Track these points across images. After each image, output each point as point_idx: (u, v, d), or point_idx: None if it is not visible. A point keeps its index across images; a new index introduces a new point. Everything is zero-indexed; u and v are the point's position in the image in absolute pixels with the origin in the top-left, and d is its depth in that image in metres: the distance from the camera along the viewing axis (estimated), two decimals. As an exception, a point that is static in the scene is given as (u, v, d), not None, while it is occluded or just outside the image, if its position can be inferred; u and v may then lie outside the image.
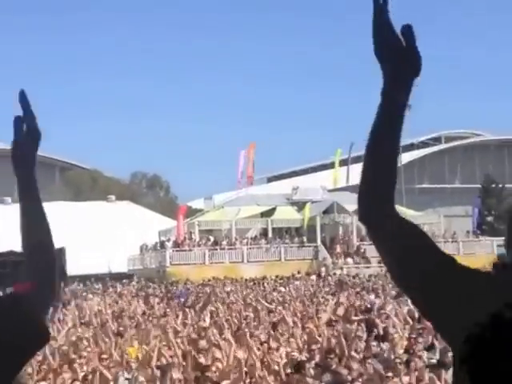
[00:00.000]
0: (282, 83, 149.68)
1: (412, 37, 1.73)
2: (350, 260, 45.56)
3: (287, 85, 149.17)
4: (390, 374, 9.78)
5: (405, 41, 1.74)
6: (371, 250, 46.65)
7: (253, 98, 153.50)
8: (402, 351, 11.73)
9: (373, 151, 1.79)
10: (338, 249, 47.05)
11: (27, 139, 1.95)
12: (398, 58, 1.76)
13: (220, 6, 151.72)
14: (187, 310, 19.44)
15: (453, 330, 1.54)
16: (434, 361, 10.80)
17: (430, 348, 12.24)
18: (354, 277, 36.28)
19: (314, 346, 12.13)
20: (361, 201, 1.85)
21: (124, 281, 40.28)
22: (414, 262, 1.71)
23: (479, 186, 63.54)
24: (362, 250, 46.57)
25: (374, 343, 12.62)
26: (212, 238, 47.45)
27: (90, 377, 10.49)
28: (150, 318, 17.97)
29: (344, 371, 9.86)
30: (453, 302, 1.58)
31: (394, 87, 1.80)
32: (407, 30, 1.74)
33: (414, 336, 12.82)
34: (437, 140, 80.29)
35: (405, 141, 67.27)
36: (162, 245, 47.96)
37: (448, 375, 9.23)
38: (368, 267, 43.14)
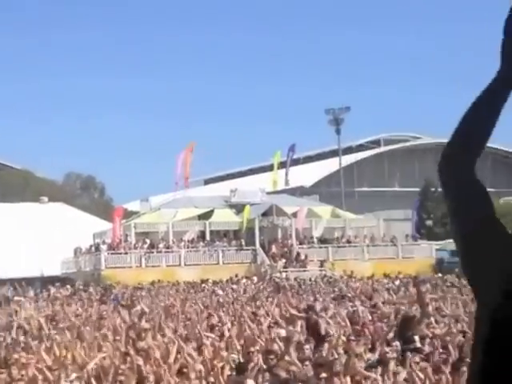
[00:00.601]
0: (220, 84, 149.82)
1: None
2: (288, 263, 45.93)
3: (226, 86, 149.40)
4: (326, 375, 10.04)
5: None
6: (311, 253, 47.23)
7: (191, 98, 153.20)
8: (341, 352, 12.01)
9: (470, 114, 1.95)
10: (277, 252, 47.39)
11: None
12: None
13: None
14: (123, 311, 19.42)
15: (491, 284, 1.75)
16: (372, 361, 11.10)
17: (371, 349, 12.57)
18: (294, 279, 36.72)
19: (252, 348, 12.32)
20: (442, 156, 2.03)
21: (57, 284, 39.83)
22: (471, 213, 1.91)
23: (418, 189, 64.71)
24: (301, 253, 47.02)
25: (311, 345, 12.91)
26: (148, 241, 47.28)
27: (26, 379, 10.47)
28: (86, 322, 17.92)
29: (283, 373, 10.08)
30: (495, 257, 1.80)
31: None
32: None
33: (352, 338, 13.14)
34: (376, 143, 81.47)
35: (343, 144, 68.29)
36: (97, 247, 47.61)
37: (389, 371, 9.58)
38: (307, 270, 43.62)
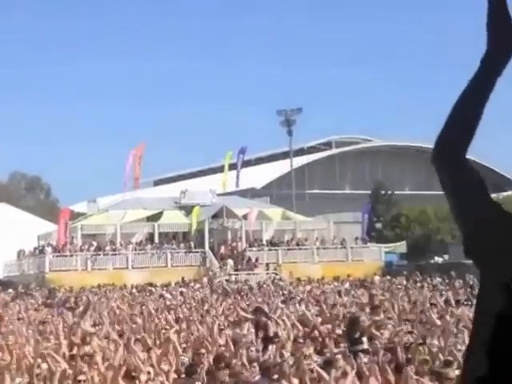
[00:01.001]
0: (168, 83, 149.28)
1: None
2: (238, 266, 46.00)
3: (175, 85, 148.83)
4: (274, 377, 10.15)
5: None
6: (260, 256, 47.41)
7: (138, 98, 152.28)
8: (288, 354, 12.14)
9: (460, 103, 2.05)
10: (225, 254, 47.43)
11: None
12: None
13: None
14: (67, 315, 19.29)
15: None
16: (320, 362, 11.24)
17: (320, 351, 12.72)
18: (244, 282, 36.84)
19: (202, 351, 12.38)
20: (436, 145, 2.09)
21: (-1, 288, 39.23)
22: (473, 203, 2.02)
23: (369, 192, 65.37)
24: (251, 256, 47.15)
25: (259, 347, 13.02)
26: (95, 243, 46.90)
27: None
28: (29, 326, 17.75)
29: (231, 376, 10.18)
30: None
31: (495, 55, 2.04)
32: None
33: (301, 340, 13.28)
34: (327, 145, 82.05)
35: (295, 146, 68.63)
36: (42, 250, 47.03)
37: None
38: (256, 273, 43.77)
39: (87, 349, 12.76)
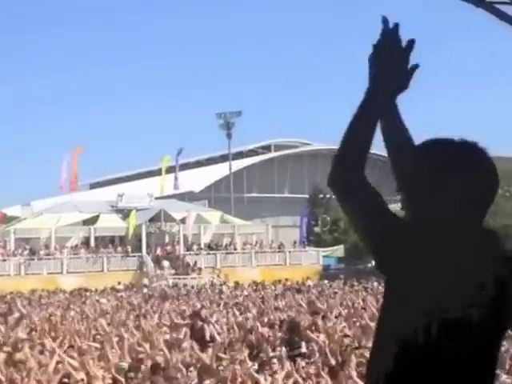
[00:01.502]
0: (104, 82, 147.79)
1: (410, 52, 2.23)
2: (175, 270, 45.89)
3: (111, 85, 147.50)
4: (210, 381, 10.24)
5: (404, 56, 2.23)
6: (198, 260, 47.39)
7: (75, 98, 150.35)
8: (226, 357, 12.20)
9: (353, 129, 2.27)
10: (164, 259, 47.26)
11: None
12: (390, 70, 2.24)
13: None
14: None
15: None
16: (256, 367, 11.35)
17: (256, 355, 12.84)
18: (184, 286, 36.76)
19: (140, 356, 12.37)
20: (334, 166, 2.32)
21: None
22: (376, 224, 2.22)
23: (307, 196, 65.84)
24: (189, 260, 47.09)
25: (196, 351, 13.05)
26: (29, 247, 46.27)
27: None
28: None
29: (161, 381, 10.21)
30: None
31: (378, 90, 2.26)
32: (410, 44, 2.23)
33: (237, 344, 13.39)
34: (266, 148, 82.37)
35: (234, 149, 68.78)
36: (-28, 254, 46.14)
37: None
38: (194, 278, 43.73)
39: (19, 356, 12.59)
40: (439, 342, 2.07)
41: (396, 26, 2.20)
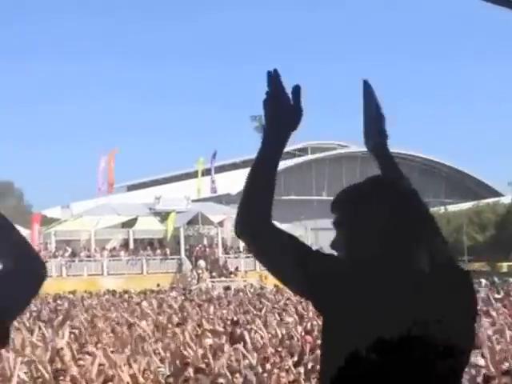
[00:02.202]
0: (142, 88, 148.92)
1: (298, 96, 2.41)
2: (214, 273, 45.98)
3: (149, 89, 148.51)
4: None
5: (293, 99, 2.41)
6: (237, 263, 47.39)
7: (113, 101, 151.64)
8: (269, 365, 12.15)
9: (253, 175, 2.42)
10: (203, 261, 47.38)
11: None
12: (281, 113, 2.41)
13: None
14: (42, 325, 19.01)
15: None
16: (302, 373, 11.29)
17: (298, 362, 12.76)
18: (226, 289, 36.73)
19: (181, 361, 12.38)
20: (238, 216, 2.40)
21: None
22: (286, 270, 2.34)
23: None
24: (227, 263, 47.13)
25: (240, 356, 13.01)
26: (70, 249, 46.71)
27: None
28: None
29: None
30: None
31: (271, 135, 2.43)
32: (295, 89, 2.41)
33: (280, 350, 13.30)
34: (303, 151, 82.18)
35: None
36: (14, 256, 46.61)
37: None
38: (232, 280, 43.75)
39: (59, 366, 12.51)
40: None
41: (276, 74, 2.38)
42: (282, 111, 2.40)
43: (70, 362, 12.44)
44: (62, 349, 13.44)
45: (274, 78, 2.37)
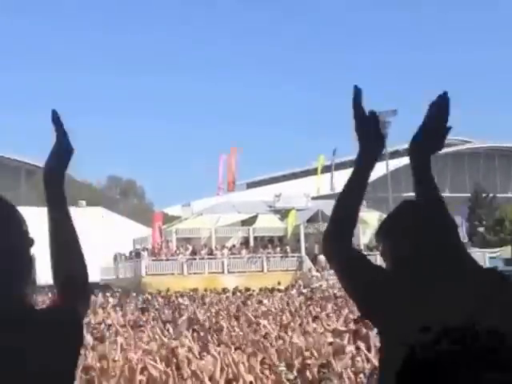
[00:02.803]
0: (264, 87, 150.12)
1: (377, 122, 2.57)
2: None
3: (269, 90, 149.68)
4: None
5: (373, 125, 2.57)
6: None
7: (233, 102, 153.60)
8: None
9: (342, 202, 2.75)
10: (323, 259, 47.18)
11: (55, 158, 2.28)
12: (369, 138, 2.57)
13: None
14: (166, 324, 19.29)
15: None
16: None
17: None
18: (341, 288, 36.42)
19: (307, 361, 12.29)
20: (325, 238, 2.70)
21: (96, 291, 40.00)
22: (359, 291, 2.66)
23: (469, 195, 63.93)
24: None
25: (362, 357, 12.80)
26: (190, 247, 47.43)
27: None
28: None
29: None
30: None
31: (365, 159, 2.64)
32: (374, 115, 2.58)
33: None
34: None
35: (390, 148, 67.68)
36: (138, 254, 47.80)
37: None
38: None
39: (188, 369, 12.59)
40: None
41: (359, 92, 2.55)
42: (369, 143, 2.57)
43: (185, 359, 12.46)
44: (175, 348, 13.49)
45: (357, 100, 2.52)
